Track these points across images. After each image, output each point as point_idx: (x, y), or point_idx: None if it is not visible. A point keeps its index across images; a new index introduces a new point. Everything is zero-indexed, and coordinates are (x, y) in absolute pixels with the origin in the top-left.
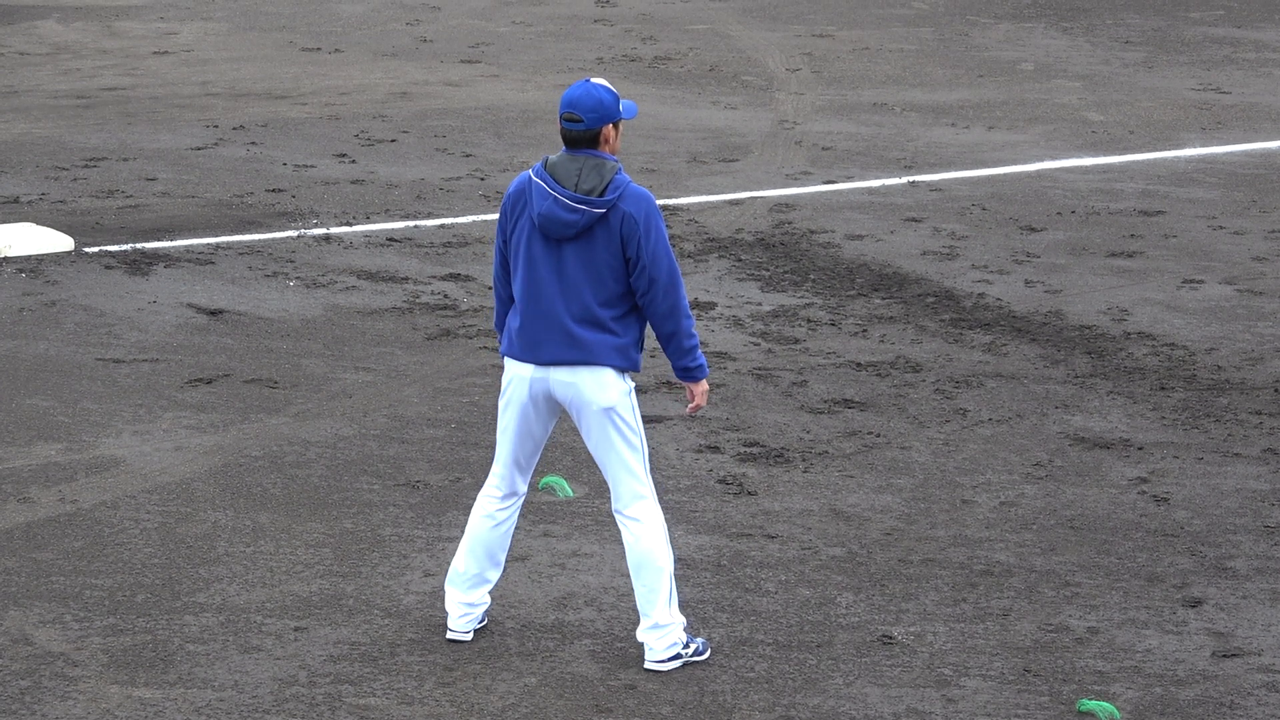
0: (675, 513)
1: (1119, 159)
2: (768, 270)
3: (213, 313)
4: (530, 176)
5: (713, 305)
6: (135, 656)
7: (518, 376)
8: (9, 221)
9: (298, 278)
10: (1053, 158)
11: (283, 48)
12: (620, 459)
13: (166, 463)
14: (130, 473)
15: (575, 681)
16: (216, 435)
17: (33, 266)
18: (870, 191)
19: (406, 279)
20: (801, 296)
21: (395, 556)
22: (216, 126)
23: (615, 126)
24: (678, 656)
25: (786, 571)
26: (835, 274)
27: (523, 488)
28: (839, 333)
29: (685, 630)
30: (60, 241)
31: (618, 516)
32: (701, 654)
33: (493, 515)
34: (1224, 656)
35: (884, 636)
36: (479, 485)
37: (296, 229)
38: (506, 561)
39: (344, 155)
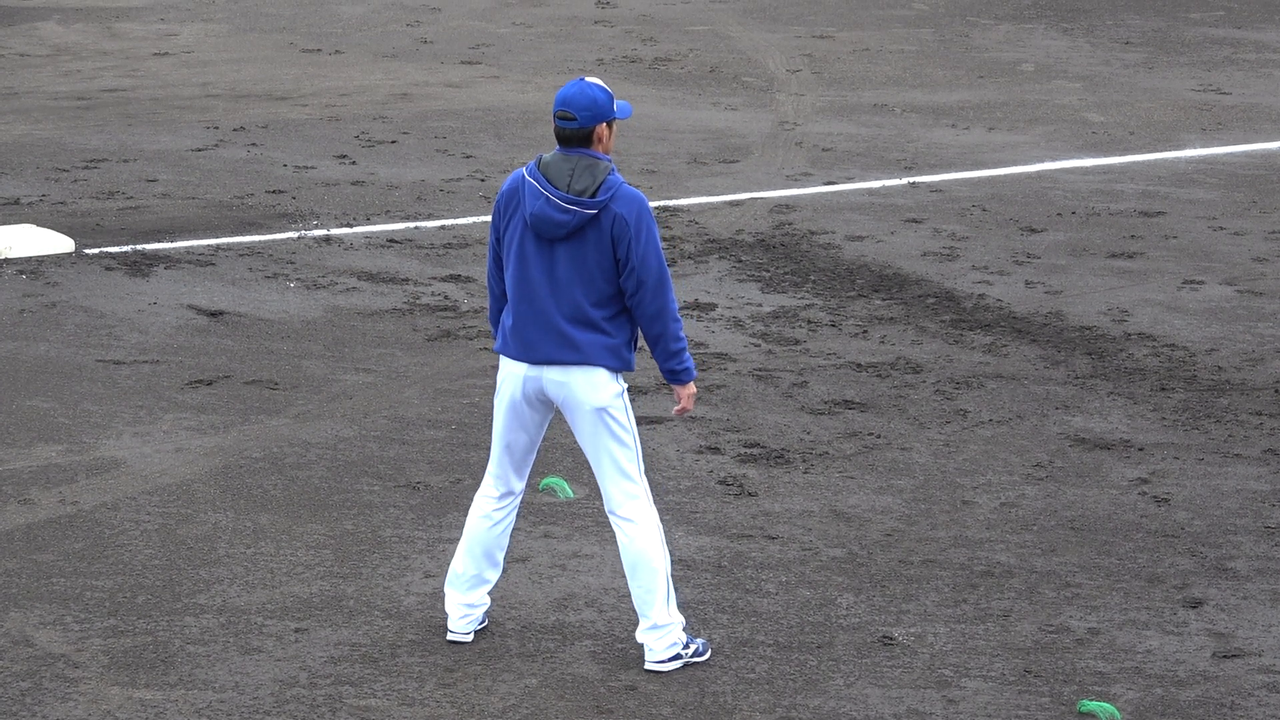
0: (675, 514)
1: (1119, 160)
2: (768, 271)
3: (213, 314)
4: (523, 175)
5: (713, 306)
6: (136, 658)
7: (511, 374)
8: (9, 223)
9: (298, 279)
10: (1053, 159)
11: (283, 49)
12: (612, 459)
13: (167, 464)
14: (131, 474)
15: (576, 682)
16: (217, 436)
17: (33, 268)
18: (870, 192)
19: (407, 280)
20: (802, 297)
21: (396, 558)
22: (217, 128)
23: (609, 126)
24: (678, 657)
25: (787, 572)
26: (835, 275)
27: (519, 487)
28: (839, 334)
29: (685, 631)
30: (61, 243)
31: (611, 518)
32: (702, 655)
33: (489, 515)
34: (1224, 657)
35: (884, 637)
36: (479, 486)
37: (297, 230)
38: (506, 562)
39: (344, 156)
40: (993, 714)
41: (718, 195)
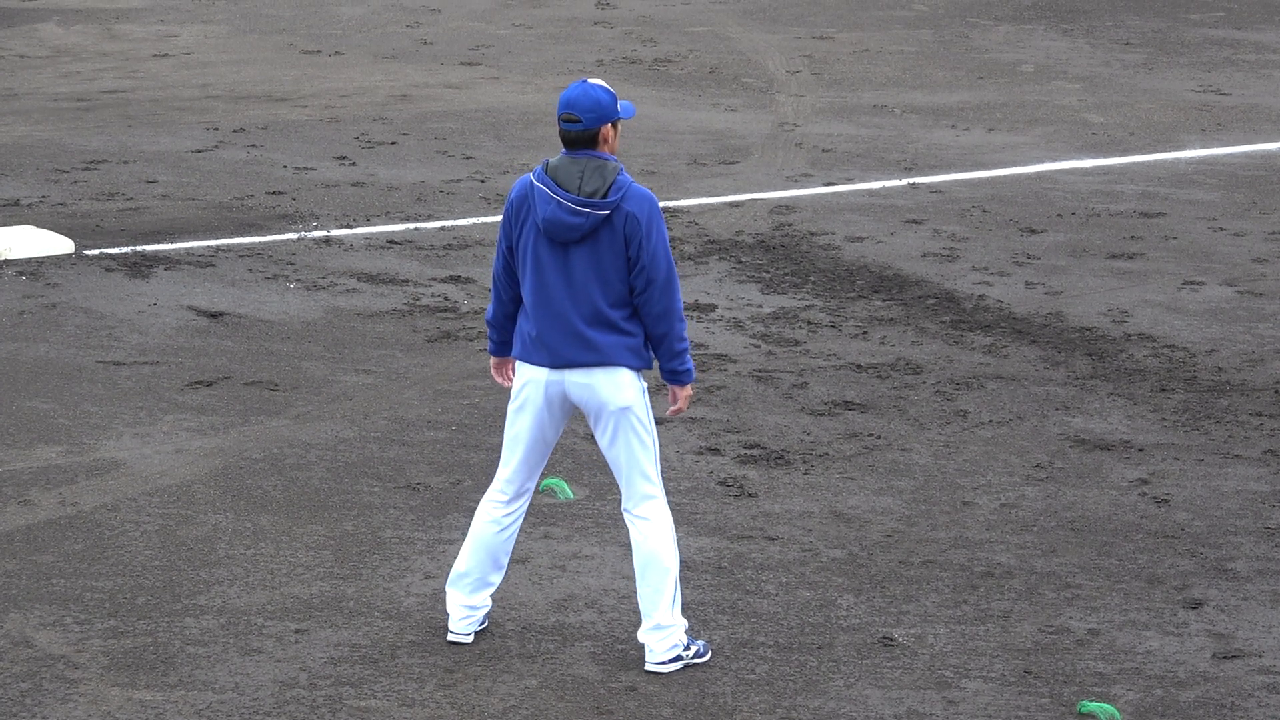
0: (676, 515)
1: (1119, 161)
2: (768, 272)
3: (213, 315)
4: (531, 181)
5: (713, 307)
6: (136, 659)
7: (532, 380)
8: (9, 224)
9: (298, 280)
10: (1053, 159)
11: (283, 50)
12: (634, 459)
13: (167, 465)
14: (131, 475)
15: (576, 683)
16: (217, 437)
17: (33, 269)
18: (870, 193)
19: (407, 281)
20: (802, 298)
21: (396, 559)
22: (217, 129)
23: (614, 126)
24: (679, 658)
25: (787, 573)
26: (835, 276)
27: (530, 485)
28: (839, 335)
29: (686, 632)
30: (60, 244)
31: (626, 516)
32: (702, 656)
33: (498, 520)
34: (1225, 658)
35: (885, 638)
36: (479, 487)
37: (297, 231)
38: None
39: (344, 158)
40: (993, 715)
41: (718, 196)
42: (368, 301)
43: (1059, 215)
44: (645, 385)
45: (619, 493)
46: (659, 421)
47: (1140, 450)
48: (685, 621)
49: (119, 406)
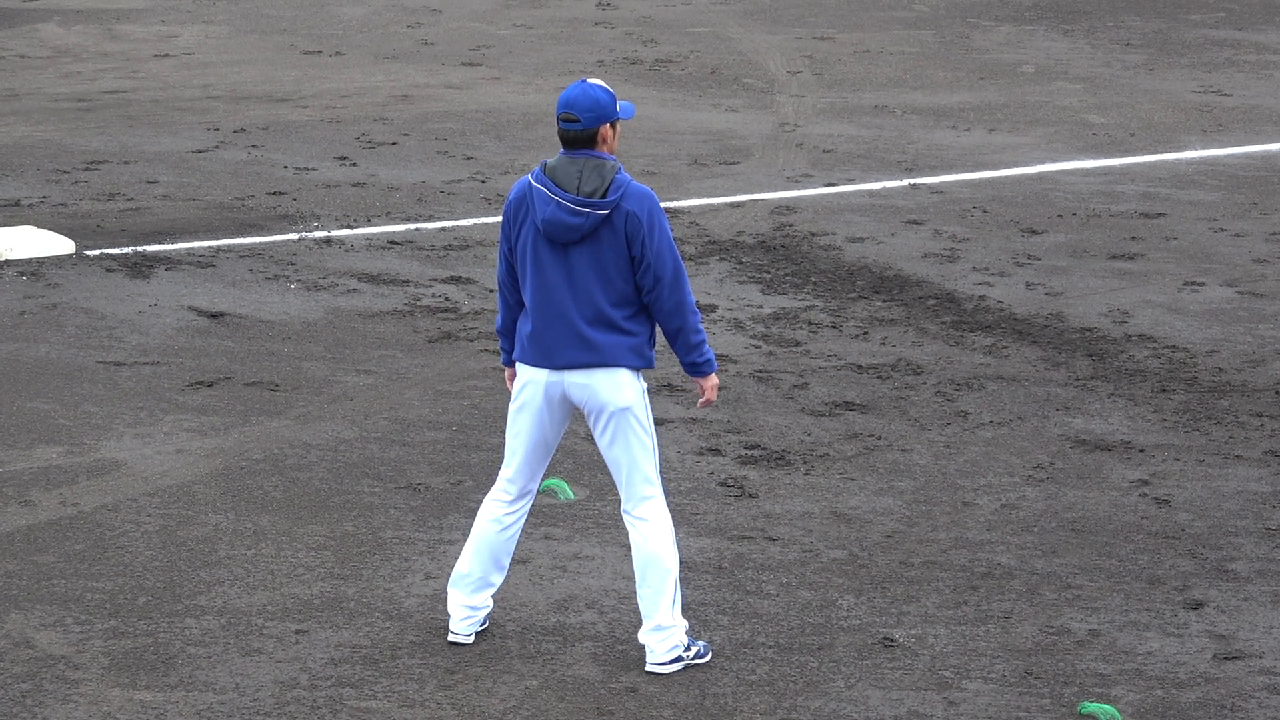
0: (676, 515)
1: (1120, 161)
2: (769, 273)
3: (214, 315)
4: (530, 182)
5: (714, 308)
6: (136, 659)
7: (532, 381)
8: (10, 224)
9: (299, 280)
10: (1053, 160)
11: (283, 50)
12: (633, 459)
13: (167, 465)
14: (131, 475)
15: (576, 684)
16: (217, 438)
17: (34, 269)
18: (871, 194)
19: (407, 282)
20: (802, 299)
21: (396, 559)
22: (217, 129)
23: (613, 126)
24: (679, 659)
25: (787, 574)
26: (836, 276)
27: (533, 486)
28: (840, 335)
29: (687, 633)
30: (61, 244)
31: (626, 517)
32: (703, 657)
33: (500, 520)
34: (1225, 659)
35: (885, 639)
36: (480, 488)
37: (297, 232)
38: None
39: (345, 158)
40: (993, 716)
41: (718, 197)
42: (368, 302)
43: (1060, 216)
44: (645, 386)
45: (619, 494)
46: (663, 422)
47: (1141, 451)
48: (686, 622)
49: (120, 407)
